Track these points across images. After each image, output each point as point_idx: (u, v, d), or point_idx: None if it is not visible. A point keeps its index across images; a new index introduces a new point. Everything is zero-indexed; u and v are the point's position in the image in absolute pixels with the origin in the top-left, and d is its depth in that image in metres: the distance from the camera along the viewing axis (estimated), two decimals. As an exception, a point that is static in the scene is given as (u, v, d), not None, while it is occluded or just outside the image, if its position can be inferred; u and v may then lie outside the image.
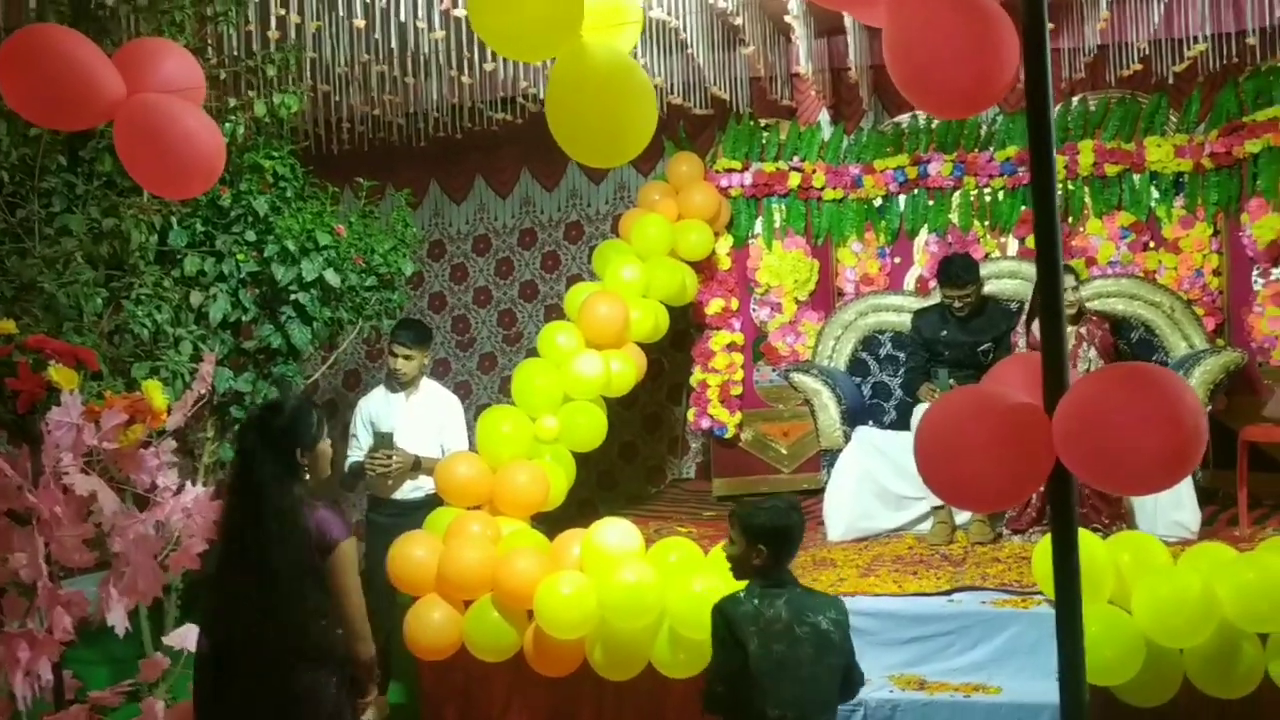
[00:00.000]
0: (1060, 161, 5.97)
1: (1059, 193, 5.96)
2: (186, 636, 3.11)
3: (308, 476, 2.86)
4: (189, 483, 3.23)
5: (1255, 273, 5.50)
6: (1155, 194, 5.85)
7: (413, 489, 4.78)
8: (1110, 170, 5.90)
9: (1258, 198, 5.39)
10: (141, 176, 3.04)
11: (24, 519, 2.86)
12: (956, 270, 5.26)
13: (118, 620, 2.99)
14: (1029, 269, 5.63)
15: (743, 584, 2.93)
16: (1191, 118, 5.81)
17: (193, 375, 4.00)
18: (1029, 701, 3.61)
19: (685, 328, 6.51)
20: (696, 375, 6.39)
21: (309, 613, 2.74)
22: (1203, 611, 3.38)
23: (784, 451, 6.41)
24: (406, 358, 4.70)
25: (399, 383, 4.76)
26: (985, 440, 2.12)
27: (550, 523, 4.75)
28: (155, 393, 3.07)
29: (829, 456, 5.41)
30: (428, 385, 4.91)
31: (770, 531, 2.87)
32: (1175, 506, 4.61)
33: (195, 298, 4.51)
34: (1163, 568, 3.58)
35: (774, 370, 6.39)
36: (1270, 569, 3.38)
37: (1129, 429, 1.98)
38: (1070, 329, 4.96)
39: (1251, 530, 4.56)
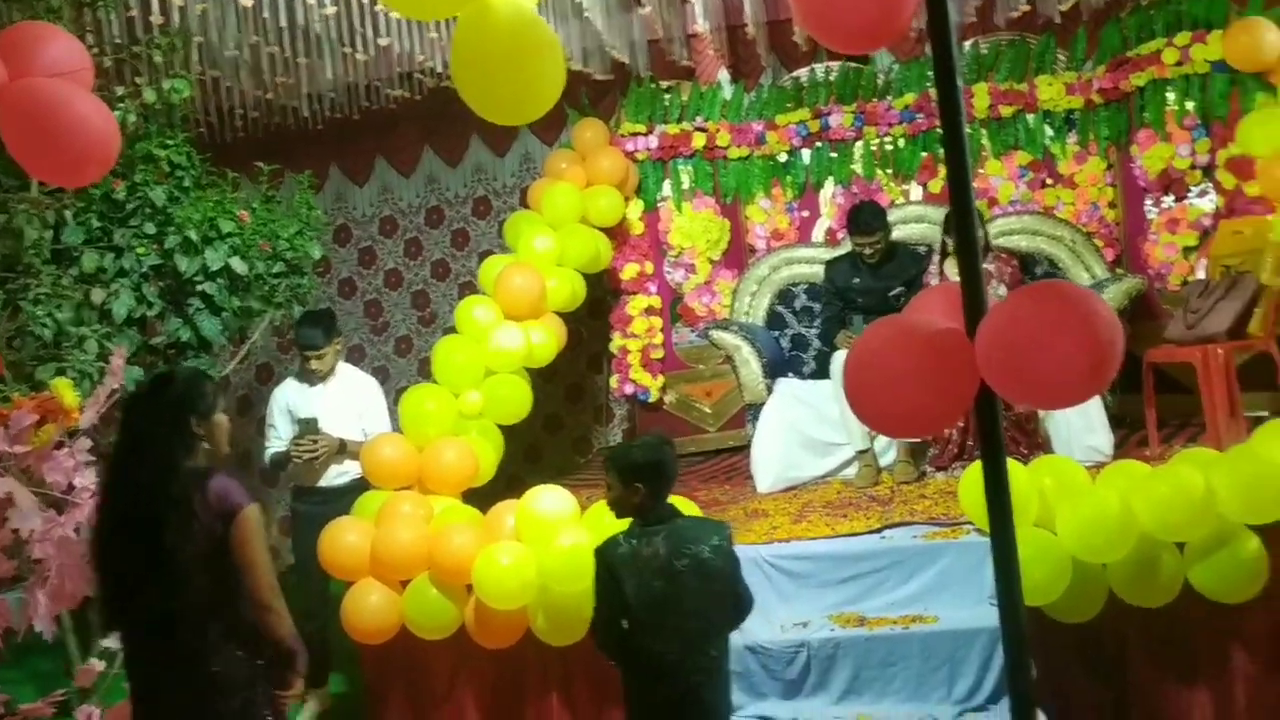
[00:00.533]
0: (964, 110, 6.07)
1: (957, 137, 6.10)
2: (123, 637, 3.02)
3: (205, 447, 2.74)
4: (108, 482, 3.13)
5: (1148, 202, 5.68)
6: (1049, 132, 6.00)
7: (338, 474, 4.72)
8: (1005, 111, 6.03)
9: (1146, 129, 5.56)
10: (32, 165, 2.92)
11: (-64, 530, 2.76)
12: (865, 218, 5.34)
13: (44, 627, 2.89)
14: (935, 213, 5.74)
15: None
16: (1079, 55, 5.96)
17: (101, 374, 3.88)
18: (966, 627, 3.71)
19: (602, 295, 6.50)
20: (616, 341, 6.39)
21: (209, 589, 2.60)
22: (1123, 527, 3.50)
23: (708, 411, 6.46)
24: (319, 357, 4.63)
25: (317, 376, 4.69)
26: (911, 368, 2.17)
27: (479, 499, 4.72)
28: (66, 391, 2.98)
29: (753, 410, 5.47)
30: (343, 369, 4.85)
31: (644, 468, 2.94)
32: (1089, 431, 4.77)
33: (97, 295, 4.37)
34: (1083, 488, 3.69)
35: (693, 331, 6.42)
36: (1183, 481, 3.51)
37: (1049, 345, 2.04)
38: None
39: (1161, 449, 4.73)
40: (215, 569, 2.61)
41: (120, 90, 4.51)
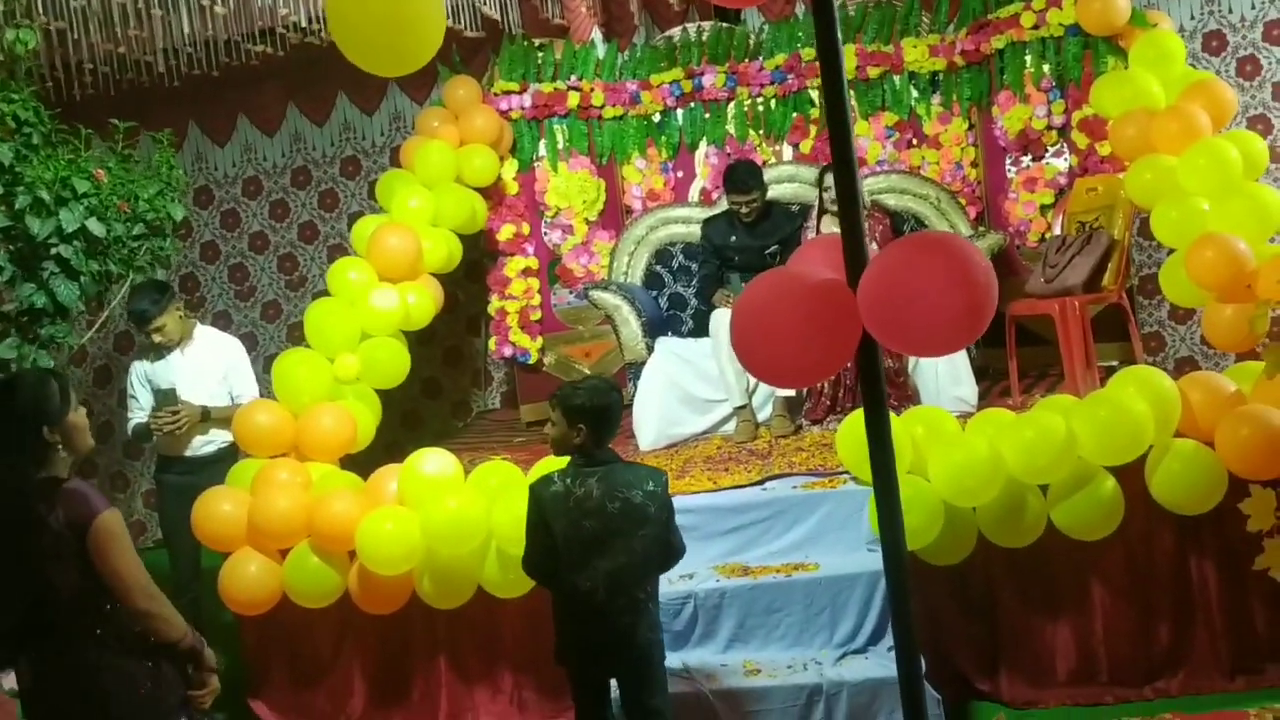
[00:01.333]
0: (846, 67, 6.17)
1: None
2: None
3: (63, 453, 2.57)
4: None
5: (1008, 161, 5.89)
6: (914, 93, 6.14)
7: (204, 443, 4.56)
8: (872, 73, 6.15)
9: (1005, 91, 5.75)
10: None
11: None
12: (741, 176, 5.40)
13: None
14: (807, 172, 5.84)
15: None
16: (942, 18, 6.11)
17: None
18: (845, 573, 3.82)
19: (478, 257, 6.42)
20: (494, 303, 6.33)
21: (75, 602, 2.49)
22: (991, 471, 3.66)
23: (587, 371, 6.45)
24: (159, 329, 4.43)
25: (167, 349, 4.49)
26: (796, 318, 2.22)
27: (358, 466, 4.63)
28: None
29: (634, 370, 5.50)
30: (202, 332, 4.66)
31: (589, 411, 3.01)
32: (955, 383, 4.95)
33: (-62, 260, 4.11)
34: (953, 437, 3.84)
35: (571, 292, 6.40)
36: (1046, 426, 3.68)
37: (928, 293, 2.11)
38: (850, 225, 5.19)
39: (1023, 399, 4.94)
40: (77, 582, 2.48)
41: (-43, 41, 4.23)
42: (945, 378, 4.95)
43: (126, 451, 7.01)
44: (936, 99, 6.11)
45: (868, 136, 6.19)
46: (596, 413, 3.02)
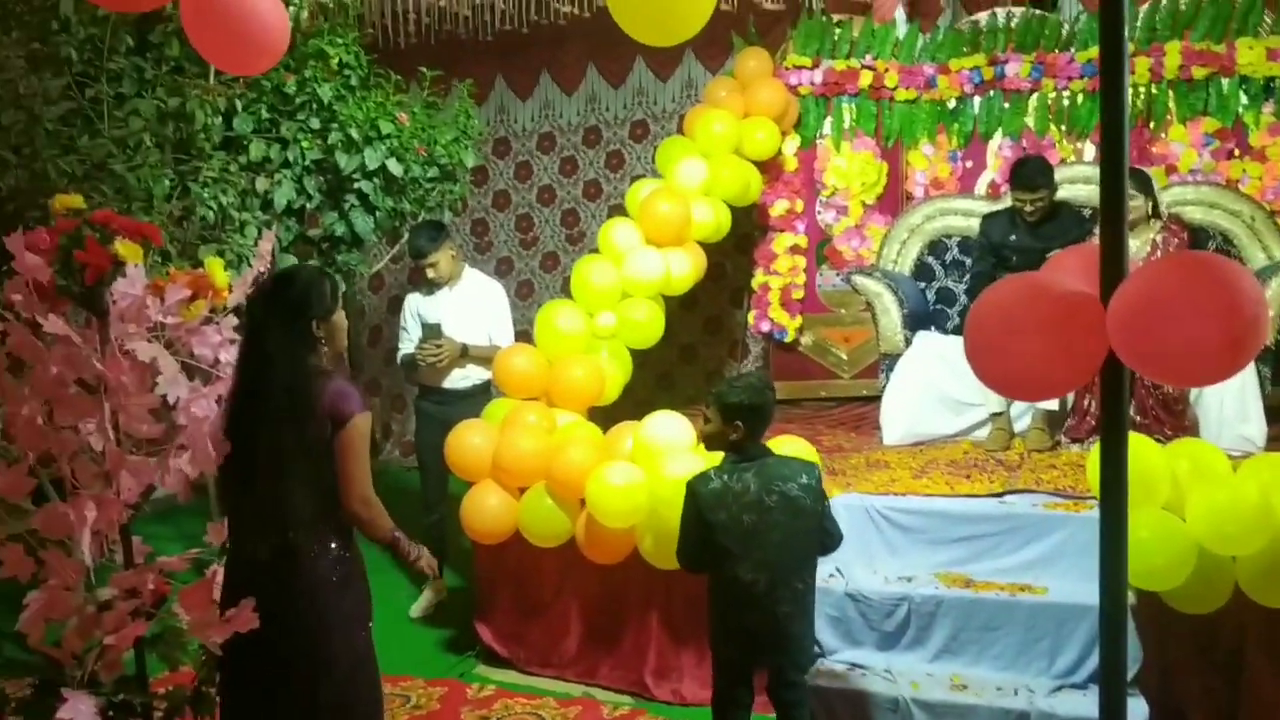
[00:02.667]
0: (1144, 64, 5.74)
1: (1142, 96, 5.76)
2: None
3: (324, 348, 2.78)
4: (252, 359, 3.29)
5: (1346, 184, 5.28)
6: (1244, 99, 5.60)
7: (461, 377, 4.87)
8: (1198, 73, 5.65)
9: (1354, 104, 5.14)
10: (209, 53, 3.06)
11: (93, 388, 2.95)
12: (1029, 173, 5.12)
13: (180, 489, 3.09)
14: (1105, 174, 5.45)
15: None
16: (1289, 18, 5.53)
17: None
18: (1075, 603, 3.60)
19: (749, 230, 6.45)
20: (758, 278, 6.34)
21: (312, 484, 2.67)
22: (1258, 519, 3.32)
23: (844, 357, 6.37)
24: (433, 265, 4.74)
25: (438, 285, 4.81)
26: (1035, 327, 2.08)
27: (608, 419, 4.80)
28: (217, 269, 3.13)
29: (888, 361, 5.37)
30: (470, 275, 4.96)
31: (745, 408, 3.05)
32: (1242, 419, 4.52)
33: (261, 183, 4.58)
34: (1220, 476, 3.51)
35: (837, 274, 6.31)
36: (1334, 480, 3.30)
37: (1185, 317, 1.93)
38: (1146, 236, 4.82)
39: (1321, 447, 4.45)
40: (320, 467, 2.67)
41: (297, -14, 4.67)
42: (1231, 413, 4.53)
43: (405, 376, 7.57)
44: (1268, 108, 5.55)
45: (1183, 142, 5.71)
46: (753, 410, 3.06)
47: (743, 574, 2.99)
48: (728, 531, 3.00)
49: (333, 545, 2.72)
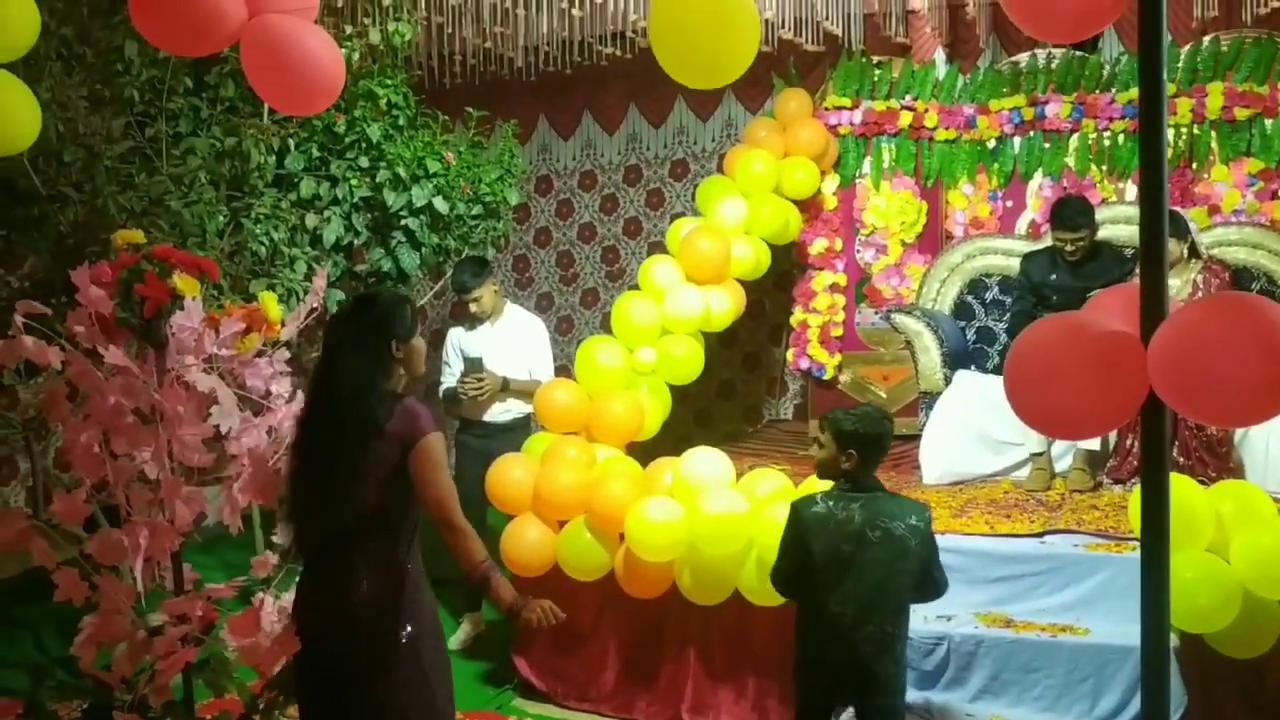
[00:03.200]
0: (1186, 105, 5.74)
1: (1184, 137, 5.75)
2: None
3: (402, 372, 2.81)
4: (300, 392, 3.37)
5: (1394, 227, 5.23)
6: (1288, 140, 5.58)
7: (502, 411, 4.93)
8: (1240, 114, 5.64)
9: (1401, 146, 5.11)
10: (268, 94, 3.17)
11: (149, 418, 3.04)
12: (1070, 213, 5.13)
13: (231, 520, 3.16)
14: (1146, 215, 5.44)
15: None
16: (1334, 60, 5.51)
17: (306, 293, 4.17)
18: (1117, 644, 3.57)
19: (788, 268, 6.49)
20: (797, 315, 6.37)
21: (379, 507, 2.69)
22: (1306, 563, 3.29)
23: (883, 395, 6.37)
24: (476, 300, 4.82)
25: (480, 320, 4.89)
26: (1076, 366, 2.11)
27: (646, 455, 4.83)
28: (271, 303, 3.21)
29: (927, 400, 5.37)
30: (511, 310, 5.04)
31: (861, 437, 3.00)
32: (1288, 462, 4.47)
33: (310, 220, 4.69)
34: (1266, 518, 3.48)
35: (876, 312, 6.32)
36: (1382, 524, 3.26)
37: (1226, 358, 1.95)
38: (1186, 276, 4.81)
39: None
40: (388, 489, 2.69)
41: (348, 30, 4.79)
42: (1277, 455, 4.48)
43: (444, 409, 7.66)
44: (1313, 149, 5.52)
45: (1226, 183, 5.69)
46: (868, 440, 3.01)
47: (831, 605, 2.94)
48: (823, 558, 2.95)
49: (387, 562, 2.74)
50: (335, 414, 2.73)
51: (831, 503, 3.00)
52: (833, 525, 2.96)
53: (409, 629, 2.77)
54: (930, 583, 3.06)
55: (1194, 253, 4.85)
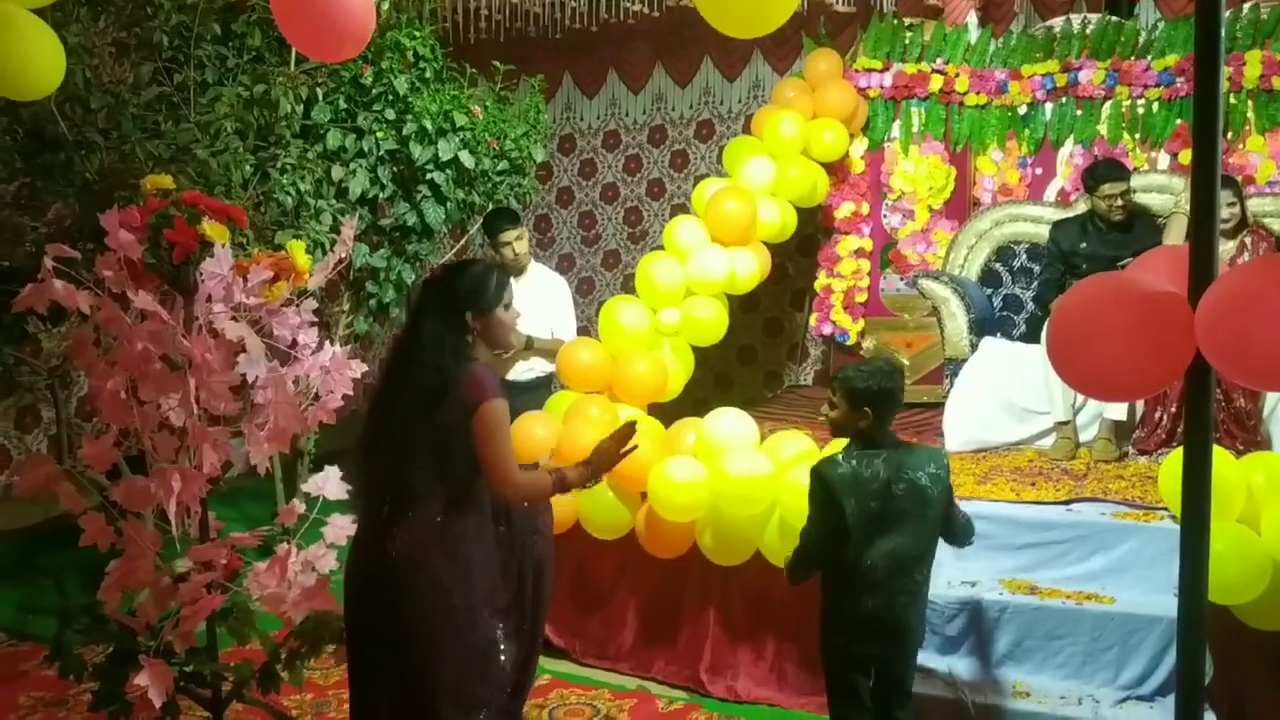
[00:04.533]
0: (1224, 73, 5.63)
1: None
2: (323, 484, 3.25)
3: (479, 341, 2.81)
4: (327, 343, 3.36)
5: None
6: (1326, 110, 5.49)
7: (525, 369, 4.91)
8: (1278, 84, 5.54)
9: None
10: (297, 39, 3.14)
11: (177, 364, 3.03)
12: (1111, 165, 5.13)
13: (260, 461, 3.15)
14: (1180, 184, 5.37)
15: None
16: (1376, 29, 5.41)
17: (332, 245, 4.15)
18: (1143, 613, 3.54)
19: (813, 232, 6.43)
20: (821, 280, 6.32)
21: (439, 469, 2.70)
22: (1339, 536, 3.26)
23: (906, 362, 6.31)
24: (519, 238, 4.77)
25: (516, 270, 4.83)
26: (1122, 327, 2.07)
27: (667, 418, 4.81)
28: (298, 252, 3.19)
29: (953, 366, 5.33)
30: (535, 268, 5.01)
31: (874, 394, 2.96)
32: (1317, 436, 4.42)
33: (336, 172, 4.66)
34: (1299, 491, 3.44)
35: (901, 279, 6.27)
36: None
37: (1275, 320, 1.91)
38: (1232, 241, 4.74)
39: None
40: (453, 452, 2.70)
41: (378, -21, 4.73)
42: (1305, 429, 4.44)
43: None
44: (1351, 119, 5.43)
45: (1261, 153, 5.61)
46: (882, 396, 2.97)
47: (864, 561, 2.92)
48: (855, 517, 2.92)
49: (438, 519, 2.74)
50: (408, 375, 2.76)
51: (855, 461, 2.97)
52: (860, 483, 2.94)
53: (456, 596, 2.75)
54: (953, 524, 3.09)
55: (1243, 219, 4.79)
